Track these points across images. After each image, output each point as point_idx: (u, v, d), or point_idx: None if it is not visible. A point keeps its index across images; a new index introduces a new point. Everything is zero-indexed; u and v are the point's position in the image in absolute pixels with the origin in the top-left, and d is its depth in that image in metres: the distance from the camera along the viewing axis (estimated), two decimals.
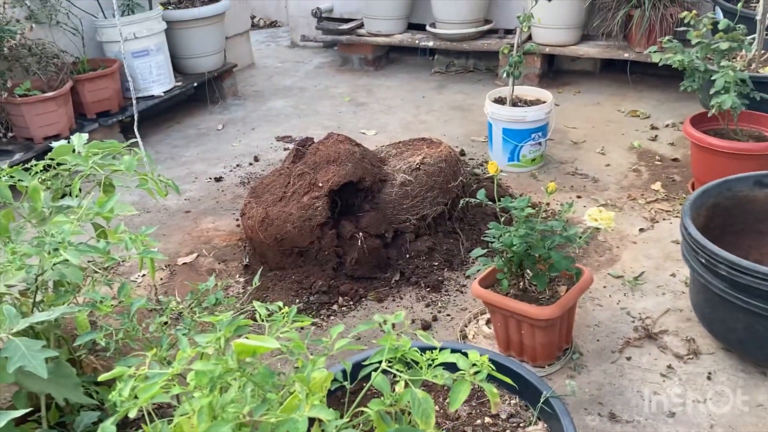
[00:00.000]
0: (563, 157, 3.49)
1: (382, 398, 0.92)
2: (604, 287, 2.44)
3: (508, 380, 1.14)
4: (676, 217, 2.84)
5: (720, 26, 2.77)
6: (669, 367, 2.05)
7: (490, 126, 3.41)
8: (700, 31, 2.81)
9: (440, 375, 0.91)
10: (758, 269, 1.77)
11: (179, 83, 4.23)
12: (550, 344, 2.04)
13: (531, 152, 3.35)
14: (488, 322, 2.26)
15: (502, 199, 1.99)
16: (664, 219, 2.84)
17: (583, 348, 2.15)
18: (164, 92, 4.08)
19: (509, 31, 4.75)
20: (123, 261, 2.50)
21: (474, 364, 0.96)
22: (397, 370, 0.92)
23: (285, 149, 3.76)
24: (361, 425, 0.96)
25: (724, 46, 2.71)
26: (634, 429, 1.85)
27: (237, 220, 2.99)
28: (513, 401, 1.63)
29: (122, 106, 3.87)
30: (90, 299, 1.31)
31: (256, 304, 1.02)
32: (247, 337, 0.92)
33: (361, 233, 2.51)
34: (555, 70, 4.75)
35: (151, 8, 4.06)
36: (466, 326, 2.30)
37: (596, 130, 3.79)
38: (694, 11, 2.87)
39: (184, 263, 2.71)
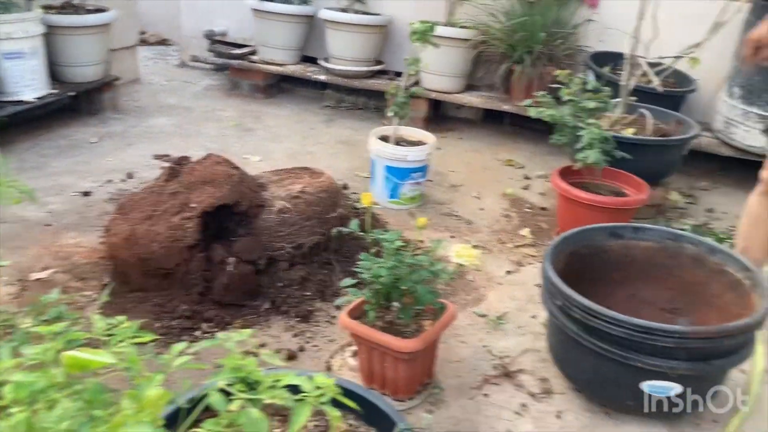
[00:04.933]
0: (441, 199, 3.59)
1: (217, 418, 0.89)
2: (469, 325, 2.51)
3: (353, 404, 1.14)
4: (541, 262, 2.97)
5: (588, 86, 2.99)
6: (523, 405, 2.13)
7: (373, 163, 3.46)
8: (572, 90, 3.01)
9: (279, 395, 0.89)
10: (607, 313, 1.89)
11: (55, 91, 4.01)
12: (412, 378, 2.06)
13: (411, 191, 3.42)
14: (355, 354, 2.26)
15: (374, 231, 2.01)
16: (529, 263, 2.98)
17: (445, 383, 2.19)
18: (36, 98, 3.85)
19: (399, 74, 4.87)
20: None
21: (318, 387, 0.95)
22: (239, 390, 0.90)
23: (162, 168, 3.62)
24: None
25: (591, 105, 2.92)
26: None
27: (101, 237, 2.83)
28: None
29: None
30: None
31: (95, 316, 0.97)
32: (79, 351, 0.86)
33: (232, 258, 2.45)
34: (441, 115, 4.92)
35: (29, 9, 3.84)
36: (332, 358, 2.28)
37: (474, 175, 3.94)
38: (569, 70, 3.08)
39: (37, 279, 2.53)
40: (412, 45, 3.32)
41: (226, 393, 0.89)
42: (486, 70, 4.40)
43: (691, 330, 1.84)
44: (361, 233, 2.02)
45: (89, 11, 4.20)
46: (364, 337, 2.02)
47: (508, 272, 2.90)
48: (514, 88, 4.29)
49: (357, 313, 2.11)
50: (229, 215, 2.54)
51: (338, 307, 2.56)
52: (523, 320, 2.57)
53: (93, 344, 0.95)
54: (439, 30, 4.09)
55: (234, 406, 0.87)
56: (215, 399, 0.88)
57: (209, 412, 0.92)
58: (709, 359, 1.87)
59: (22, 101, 3.78)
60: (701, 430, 2.07)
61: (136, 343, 0.93)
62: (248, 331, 1.02)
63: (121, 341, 0.91)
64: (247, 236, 2.54)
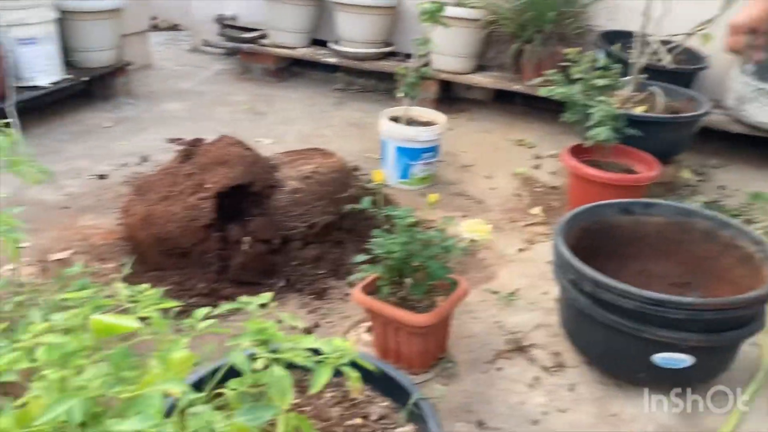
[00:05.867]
0: (452, 179, 3.61)
1: (241, 378, 0.93)
2: (481, 302, 2.54)
3: (371, 366, 1.17)
4: (552, 239, 2.99)
5: (598, 64, 2.99)
6: (535, 378, 2.16)
7: (384, 143, 3.48)
8: (582, 68, 3.01)
9: (301, 355, 0.93)
10: (618, 286, 1.91)
11: (69, 76, 4.05)
12: (425, 352, 2.10)
13: (422, 171, 3.44)
14: (369, 330, 2.29)
15: (387, 207, 2.04)
16: (541, 241, 3.00)
17: (458, 358, 2.22)
18: (51, 83, 3.89)
19: (409, 56, 4.86)
20: None
21: (338, 350, 0.98)
22: (257, 351, 0.93)
23: (176, 151, 3.66)
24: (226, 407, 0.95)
25: (601, 82, 2.92)
26: None
27: (118, 219, 2.88)
28: (384, 403, 1.66)
29: (4, 95, 3.65)
30: None
31: (119, 285, 1.00)
32: None
33: (247, 238, 2.49)
34: (451, 96, 4.92)
35: None
36: (347, 333, 2.32)
37: (485, 155, 3.95)
38: (579, 48, 3.08)
39: (56, 260, 2.58)
40: (422, 26, 3.32)
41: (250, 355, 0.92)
42: (496, 50, 4.39)
43: (703, 301, 1.86)
44: (374, 210, 2.04)
45: None
46: (378, 312, 2.05)
47: (520, 250, 2.92)
48: (524, 67, 4.28)
49: (370, 289, 2.14)
50: (243, 195, 2.57)
51: (351, 285, 2.59)
52: (534, 296, 2.59)
53: (118, 311, 0.99)
54: (449, 10, 4.08)
55: (258, 364, 0.91)
56: (239, 359, 0.92)
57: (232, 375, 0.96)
58: (721, 331, 1.89)
59: (36, 87, 3.83)
60: (713, 402, 2.09)
61: (160, 310, 0.97)
62: (268, 294, 1.06)
63: (145, 307, 0.95)
64: (261, 216, 2.57)
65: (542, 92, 3.16)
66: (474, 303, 2.52)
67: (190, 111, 4.36)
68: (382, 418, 1.63)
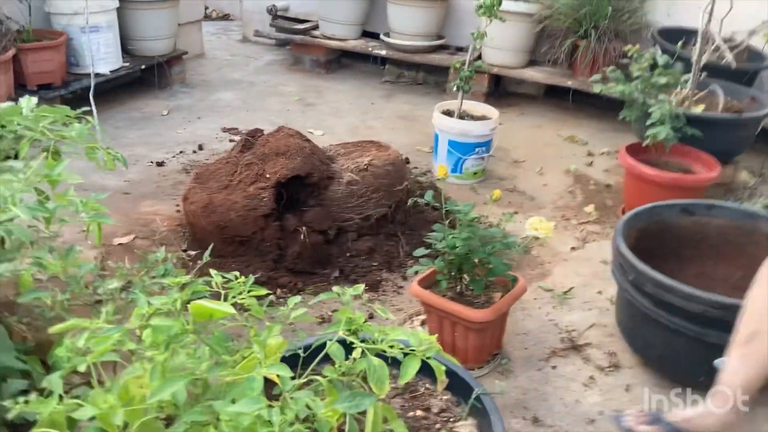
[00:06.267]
0: (503, 174, 3.60)
1: (335, 367, 0.95)
2: (535, 299, 2.54)
3: (454, 360, 1.19)
4: (606, 239, 2.97)
5: (660, 62, 2.94)
6: (591, 377, 2.15)
7: (436, 137, 3.49)
8: (642, 65, 2.97)
9: (396, 346, 0.95)
10: (681, 288, 1.89)
11: (126, 64, 4.14)
12: (481, 347, 2.11)
13: (474, 166, 3.44)
14: (423, 323, 2.31)
15: (448, 202, 2.05)
16: (594, 240, 2.97)
17: (512, 354, 2.23)
18: (111, 71, 3.99)
19: (460, 49, 4.87)
20: (59, 236, 2.42)
21: (424, 343, 1.00)
22: (353, 340, 0.95)
23: (231, 141, 3.73)
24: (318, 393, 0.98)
25: (663, 80, 2.88)
26: None
27: (177, 205, 2.95)
28: (445, 397, 1.68)
29: (66, 81, 3.76)
30: (36, 258, 1.28)
31: (213, 271, 1.04)
32: None
33: (304, 228, 2.52)
34: (501, 91, 4.89)
35: None
36: (401, 326, 2.34)
37: (536, 151, 3.92)
38: (638, 45, 3.04)
39: (119, 244, 2.65)
40: (475, 19, 3.31)
41: (340, 343, 0.95)
42: (549, 45, 4.35)
43: None
44: (435, 205, 2.05)
45: None
46: (435, 306, 2.07)
47: (573, 248, 2.90)
48: (578, 63, 4.24)
49: (427, 283, 2.16)
50: (300, 186, 2.61)
51: (405, 278, 2.61)
52: (588, 295, 2.58)
53: (210, 296, 1.02)
54: (505, 4, 4.06)
55: (356, 354, 0.93)
56: (334, 348, 0.94)
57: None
58: None
59: (97, 74, 3.91)
60: None
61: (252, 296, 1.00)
62: (360, 286, 1.08)
63: (239, 293, 0.98)
64: (318, 207, 2.61)
65: (597, 89, 3.12)
66: (528, 300, 2.51)
67: (242, 100, 4.43)
68: (442, 411, 1.64)
